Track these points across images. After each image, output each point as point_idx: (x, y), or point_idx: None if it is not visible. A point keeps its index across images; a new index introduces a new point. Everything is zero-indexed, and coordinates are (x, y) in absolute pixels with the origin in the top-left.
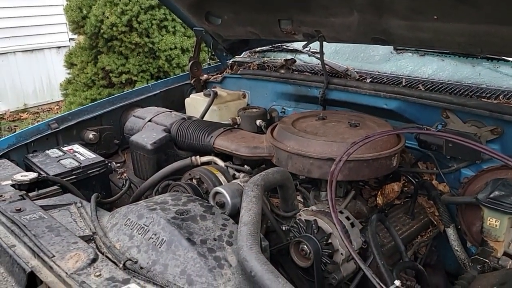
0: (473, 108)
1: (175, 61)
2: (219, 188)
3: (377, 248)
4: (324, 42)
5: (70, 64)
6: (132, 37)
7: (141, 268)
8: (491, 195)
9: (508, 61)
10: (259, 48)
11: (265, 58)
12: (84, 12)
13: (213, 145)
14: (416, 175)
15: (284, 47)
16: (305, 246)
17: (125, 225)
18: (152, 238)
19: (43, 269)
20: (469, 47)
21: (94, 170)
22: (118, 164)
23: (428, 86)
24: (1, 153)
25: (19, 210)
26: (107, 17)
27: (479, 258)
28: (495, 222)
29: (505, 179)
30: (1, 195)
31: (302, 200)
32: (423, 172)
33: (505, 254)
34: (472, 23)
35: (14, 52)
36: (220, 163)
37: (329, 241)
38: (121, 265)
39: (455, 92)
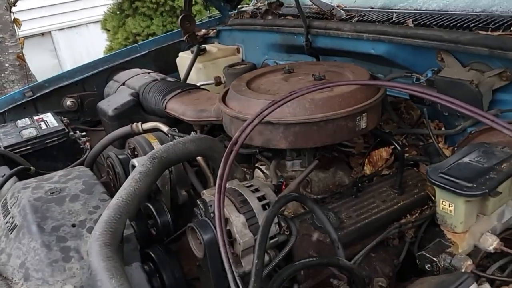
0: (467, 46)
1: (198, 18)
2: (133, 161)
3: (262, 240)
4: None
5: (106, 30)
6: None
7: None
8: (445, 169)
9: None
10: None
11: (262, 4)
12: None
13: (165, 108)
14: (420, 137)
15: None
16: (197, 233)
17: (1, 205)
18: (9, 222)
19: None
20: None
21: (52, 139)
22: (83, 133)
23: (422, 20)
24: None
25: None
26: None
27: (425, 255)
28: (449, 206)
29: (489, 144)
30: None
31: (265, 171)
32: (422, 134)
33: (476, 250)
34: None
35: (86, 24)
36: (164, 129)
37: (227, 228)
38: None
39: (457, 25)
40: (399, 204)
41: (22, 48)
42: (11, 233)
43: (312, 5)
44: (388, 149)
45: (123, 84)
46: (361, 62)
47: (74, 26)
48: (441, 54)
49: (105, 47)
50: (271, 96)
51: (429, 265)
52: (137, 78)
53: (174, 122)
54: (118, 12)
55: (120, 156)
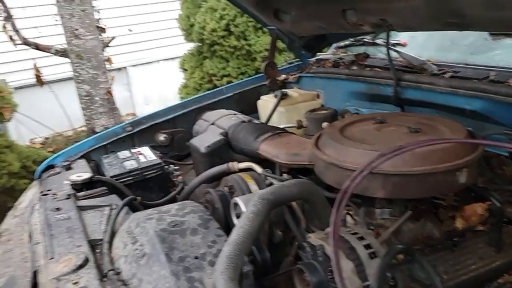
0: None
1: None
2: (236, 199)
3: None
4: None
5: (183, 69)
6: (230, 40)
7: (119, 280)
8: None
9: None
10: (342, 43)
11: (344, 54)
12: (191, 20)
13: (257, 150)
14: None
15: (365, 40)
16: (306, 276)
17: (125, 232)
18: (138, 249)
19: (43, 269)
20: None
21: (151, 172)
22: (177, 167)
23: None
24: (82, 154)
25: (57, 209)
26: (208, 23)
27: None
28: None
29: None
30: (55, 193)
31: (355, 217)
32: None
33: None
34: None
35: (158, 61)
36: (258, 170)
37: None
38: (102, 276)
39: None
40: (497, 263)
41: (111, 84)
42: (141, 260)
43: (398, 57)
44: (483, 205)
45: (213, 123)
46: (451, 115)
47: (147, 63)
48: None
49: (181, 84)
50: (369, 146)
51: None
52: (226, 119)
53: (261, 162)
54: (196, 54)
55: (218, 193)
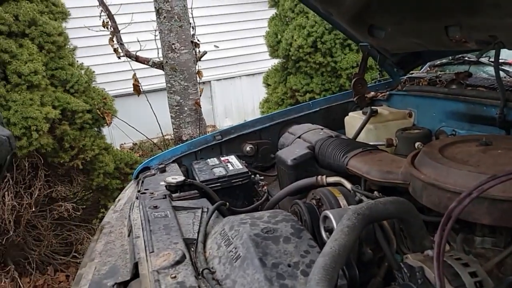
0: None
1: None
2: (327, 212)
3: None
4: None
5: (266, 85)
6: (316, 57)
7: (213, 279)
8: None
9: None
10: (438, 61)
11: (442, 72)
12: (279, 37)
13: (346, 165)
14: None
15: (466, 58)
16: None
17: (219, 234)
18: (232, 252)
19: (144, 261)
20: None
21: (238, 180)
22: (262, 177)
23: None
24: (175, 158)
25: (155, 207)
26: (295, 40)
27: None
28: None
29: None
30: (153, 192)
31: (451, 244)
32: None
33: None
34: None
35: (240, 76)
36: (347, 185)
37: None
38: (197, 273)
39: None
40: None
41: (200, 95)
42: (235, 262)
43: (505, 77)
44: None
45: (299, 137)
46: None
47: (230, 78)
48: None
49: (262, 99)
50: (474, 168)
51: None
52: (312, 133)
53: (349, 178)
54: (280, 70)
55: (306, 205)
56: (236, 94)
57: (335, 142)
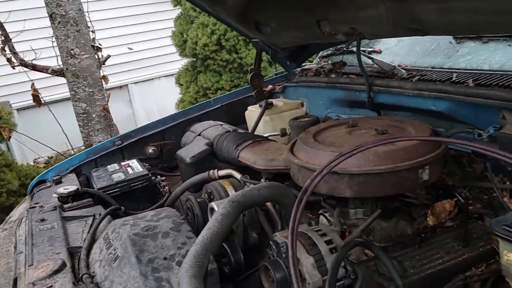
0: None
1: (263, 73)
2: (212, 204)
3: (332, 280)
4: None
5: (179, 84)
6: (222, 54)
7: (92, 283)
8: (510, 222)
9: None
10: (325, 53)
11: (325, 63)
12: (185, 36)
13: (238, 157)
14: (484, 190)
15: (344, 49)
16: (271, 272)
17: (103, 238)
18: (111, 253)
19: (23, 276)
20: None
21: (137, 183)
22: (163, 178)
23: (481, 80)
24: (72, 168)
25: (42, 220)
26: (200, 39)
27: None
28: None
29: None
30: (43, 206)
31: (329, 218)
32: (485, 187)
33: None
34: None
35: (158, 77)
36: (237, 176)
37: (298, 268)
38: (77, 279)
39: None
40: (464, 257)
41: (107, 101)
42: (114, 263)
43: (373, 64)
44: (451, 201)
45: (199, 134)
46: (422, 117)
47: (148, 80)
48: (503, 112)
49: (177, 99)
50: (337, 148)
51: None
52: (212, 130)
53: (244, 169)
54: (190, 69)
55: (198, 200)
56: (157, 96)
57: (230, 136)
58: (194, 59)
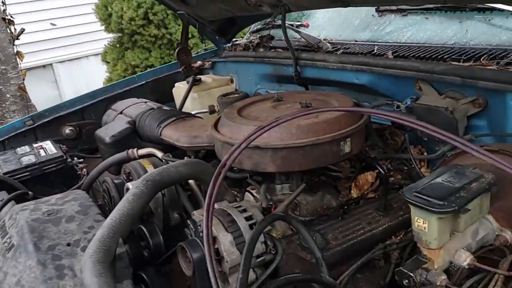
0: (441, 75)
1: (194, 49)
2: (128, 184)
3: (247, 256)
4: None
5: (106, 62)
6: (150, 29)
7: None
8: (420, 189)
9: (503, 10)
10: (255, 27)
11: (254, 38)
12: (109, 9)
13: (160, 135)
14: (404, 161)
15: (274, 23)
16: (187, 252)
17: (0, 226)
18: (6, 242)
19: None
20: None
21: (51, 166)
22: (81, 160)
23: (400, 52)
24: None
25: None
26: (125, 12)
27: (403, 270)
28: (423, 223)
29: (461, 166)
30: None
31: (256, 195)
32: (405, 159)
33: (452, 266)
34: None
35: (87, 56)
36: (159, 155)
37: (216, 246)
38: None
39: (432, 57)
40: (384, 226)
41: (23, 79)
42: (8, 253)
43: (300, 38)
44: (373, 173)
45: (121, 112)
46: (347, 91)
47: (75, 59)
48: (419, 83)
49: (105, 78)
50: (260, 122)
51: (406, 281)
52: (134, 107)
53: (170, 148)
54: (117, 45)
55: (115, 181)
56: (86, 76)
57: (152, 114)
58: (121, 35)
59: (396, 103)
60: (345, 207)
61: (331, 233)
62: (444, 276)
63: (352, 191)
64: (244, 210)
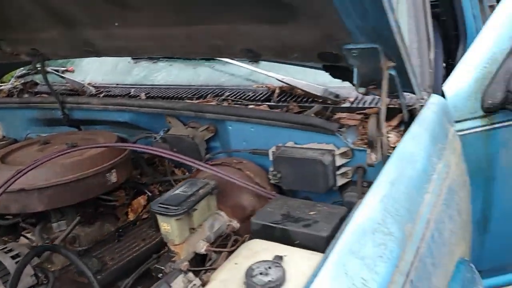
0: (180, 111)
1: None
2: None
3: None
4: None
5: None
6: None
7: None
8: (163, 200)
9: (220, 60)
10: (19, 73)
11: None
12: None
13: None
14: (173, 183)
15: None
16: None
17: None
18: None
19: None
20: (158, 50)
21: None
22: None
23: (151, 94)
24: None
25: None
26: None
27: (157, 267)
28: (167, 226)
29: (195, 178)
30: None
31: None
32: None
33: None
34: (154, 26)
35: None
36: None
37: None
38: None
39: (175, 96)
40: (157, 239)
41: None
42: None
43: (66, 83)
44: (144, 197)
45: None
46: (115, 128)
47: None
48: (168, 118)
49: None
50: (20, 166)
51: (161, 274)
52: None
53: None
54: None
55: None
56: None
57: None
58: None
59: (153, 135)
60: (120, 230)
61: (108, 255)
62: (186, 263)
63: (129, 216)
64: (10, 250)
